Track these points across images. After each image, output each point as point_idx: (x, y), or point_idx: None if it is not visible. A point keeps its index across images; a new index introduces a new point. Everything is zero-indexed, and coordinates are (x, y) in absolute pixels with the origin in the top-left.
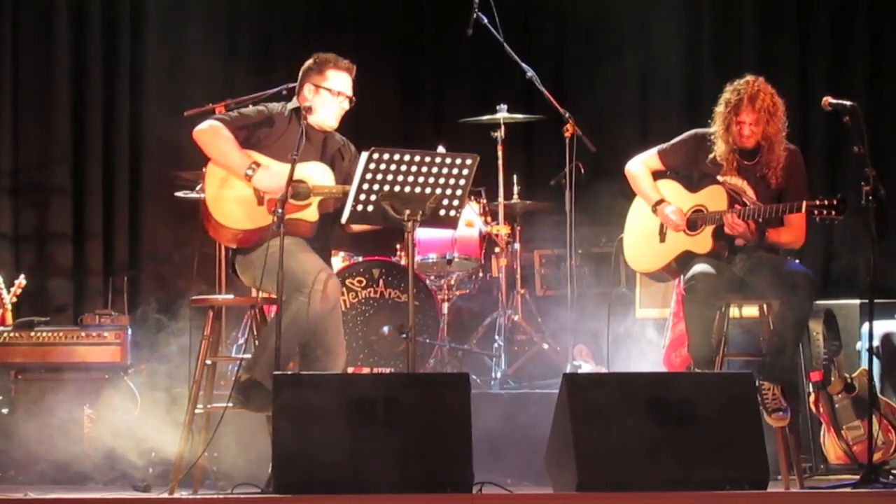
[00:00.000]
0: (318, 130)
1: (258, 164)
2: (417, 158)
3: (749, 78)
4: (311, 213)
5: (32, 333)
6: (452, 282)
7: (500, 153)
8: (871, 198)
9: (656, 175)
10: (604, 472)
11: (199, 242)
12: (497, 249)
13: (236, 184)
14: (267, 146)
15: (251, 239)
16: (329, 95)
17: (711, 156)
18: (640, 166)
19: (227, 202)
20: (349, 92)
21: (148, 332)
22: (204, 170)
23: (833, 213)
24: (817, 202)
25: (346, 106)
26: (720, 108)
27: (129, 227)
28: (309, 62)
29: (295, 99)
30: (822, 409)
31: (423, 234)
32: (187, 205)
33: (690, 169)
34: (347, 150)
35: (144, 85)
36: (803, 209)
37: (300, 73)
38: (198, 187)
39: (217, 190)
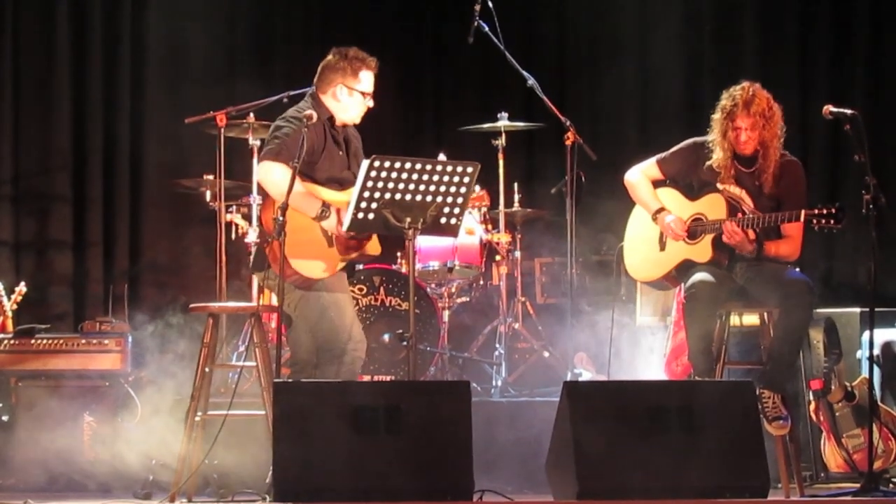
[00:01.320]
0: (340, 129)
1: (328, 206)
2: (418, 166)
3: (745, 84)
4: (374, 247)
5: (33, 341)
6: (453, 290)
7: (500, 161)
8: (871, 206)
9: (656, 183)
10: (604, 480)
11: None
12: (498, 257)
13: (303, 223)
14: (314, 162)
15: (316, 283)
16: (361, 98)
17: (709, 164)
18: (640, 175)
19: (301, 247)
20: (372, 90)
21: (148, 339)
22: (237, 219)
23: (831, 221)
24: (815, 211)
25: (371, 104)
26: (716, 115)
27: (130, 234)
28: (336, 60)
29: (311, 96)
30: (822, 418)
31: (423, 241)
32: (188, 213)
33: (689, 177)
34: (357, 136)
35: (145, 93)
36: (802, 218)
37: (324, 71)
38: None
39: (294, 234)
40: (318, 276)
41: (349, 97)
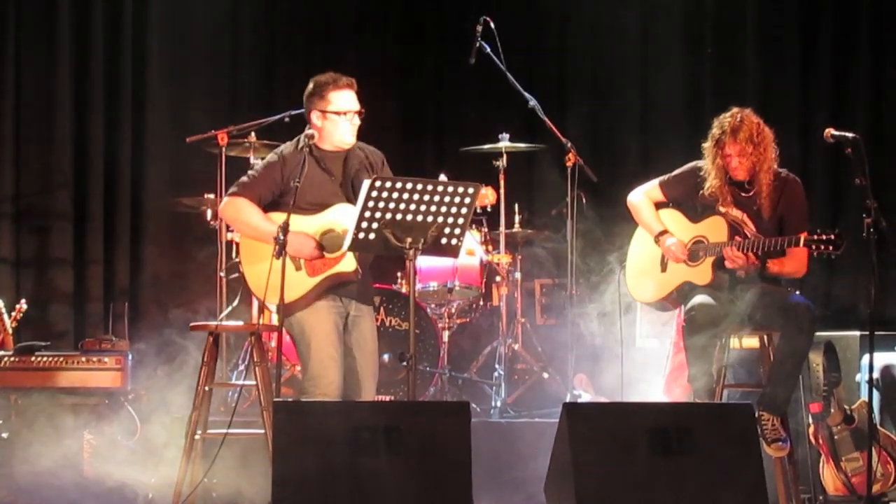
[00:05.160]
0: (335, 154)
1: (286, 227)
2: (419, 187)
3: (734, 110)
4: (348, 263)
5: (33, 358)
6: (453, 310)
7: (501, 182)
8: (872, 229)
9: (658, 204)
10: (603, 502)
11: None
12: (498, 278)
13: (270, 253)
14: (293, 191)
15: (297, 307)
16: (337, 118)
17: (702, 192)
18: (642, 197)
19: (265, 276)
20: (356, 107)
21: (148, 357)
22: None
23: (830, 248)
24: (815, 237)
25: (357, 122)
26: (707, 144)
27: (130, 252)
28: (309, 88)
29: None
30: (821, 441)
31: (424, 262)
32: (188, 231)
33: (692, 200)
34: (372, 157)
35: (146, 111)
36: (801, 243)
37: (304, 101)
38: (237, 258)
39: (255, 264)
40: (291, 299)
41: (326, 121)
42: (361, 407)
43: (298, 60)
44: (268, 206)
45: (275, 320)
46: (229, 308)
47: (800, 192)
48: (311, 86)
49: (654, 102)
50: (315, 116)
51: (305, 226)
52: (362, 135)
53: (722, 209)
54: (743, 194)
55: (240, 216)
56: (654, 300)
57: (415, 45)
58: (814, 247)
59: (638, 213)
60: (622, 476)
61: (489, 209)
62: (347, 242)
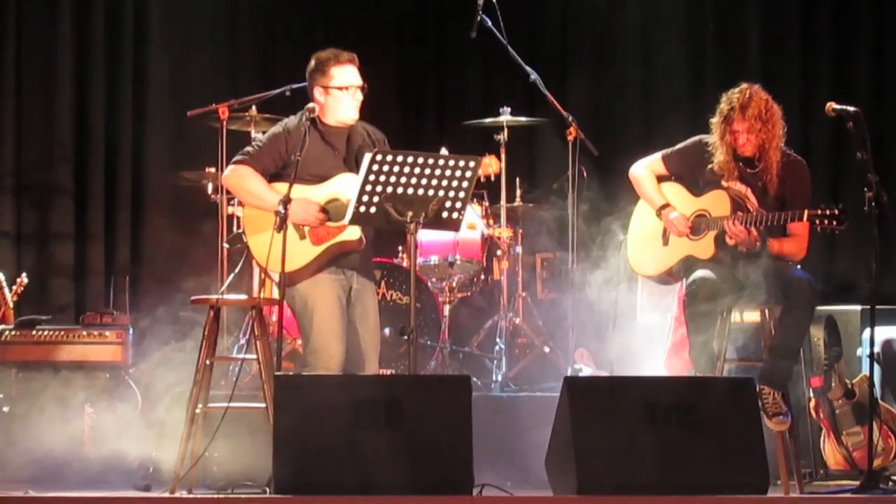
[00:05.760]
0: (338, 129)
1: (288, 199)
2: (420, 160)
3: (743, 86)
4: (352, 232)
5: (34, 332)
6: (454, 284)
7: (502, 156)
8: (873, 204)
9: (660, 178)
10: (604, 476)
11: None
12: (499, 252)
13: (268, 222)
14: (294, 164)
15: (301, 276)
16: (340, 93)
17: (711, 167)
18: (645, 170)
19: (269, 247)
20: (358, 82)
21: (149, 331)
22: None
23: (834, 223)
24: (818, 211)
25: (359, 97)
26: (715, 119)
27: (132, 226)
28: (311, 65)
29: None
30: (822, 415)
31: (424, 236)
32: (190, 205)
33: (695, 175)
34: (374, 136)
35: (147, 85)
36: (805, 218)
37: (307, 77)
38: (241, 230)
39: (258, 234)
40: (295, 268)
41: (328, 97)
42: (362, 381)
43: (299, 35)
44: (270, 178)
45: (276, 294)
46: (228, 280)
47: (806, 176)
48: (312, 62)
49: (655, 76)
50: (318, 92)
51: (310, 195)
52: (364, 109)
53: (725, 184)
54: (749, 170)
55: (243, 184)
56: (655, 274)
57: (416, 18)
58: (817, 222)
59: (640, 187)
60: (623, 450)
61: (492, 178)
62: (349, 216)
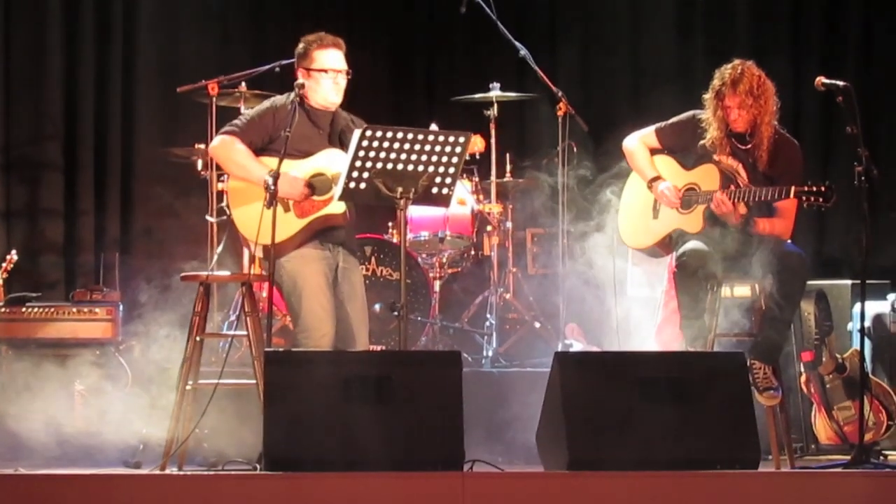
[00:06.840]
0: (323, 111)
1: (278, 174)
2: (410, 136)
3: (736, 62)
4: (337, 206)
5: (23, 309)
6: (444, 260)
7: (492, 131)
8: (863, 178)
9: (653, 151)
10: (594, 451)
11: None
12: (489, 228)
13: (259, 195)
14: (283, 140)
15: (286, 249)
16: (320, 76)
17: (703, 143)
18: (638, 143)
19: (254, 218)
20: (341, 66)
21: (139, 308)
22: (224, 185)
23: (820, 199)
24: (805, 188)
25: (341, 81)
26: (708, 95)
27: (121, 203)
28: (298, 48)
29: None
30: (813, 390)
31: (415, 211)
32: (179, 181)
33: (687, 149)
34: (355, 124)
35: (137, 61)
36: (792, 194)
37: (295, 58)
38: (223, 203)
39: (243, 206)
40: (279, 240)
41: (310, 79)
42: (353, 357)
43: (288, 12)
44: (256, 153)
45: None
46: (216, 255)
47: (797, 156)
48: (299, 45)
49: (644, 51)
50: (301, 75)
51: (294, 169)
52: (353, 85)
53: (716, 158)
54: (741, 146)
55: (231, 155)
56: (645, 246)
57: None
58: (804, 198)
59: (632, 158)
60: (613, 425)
61: (478, 157)
62: (338, 192)
